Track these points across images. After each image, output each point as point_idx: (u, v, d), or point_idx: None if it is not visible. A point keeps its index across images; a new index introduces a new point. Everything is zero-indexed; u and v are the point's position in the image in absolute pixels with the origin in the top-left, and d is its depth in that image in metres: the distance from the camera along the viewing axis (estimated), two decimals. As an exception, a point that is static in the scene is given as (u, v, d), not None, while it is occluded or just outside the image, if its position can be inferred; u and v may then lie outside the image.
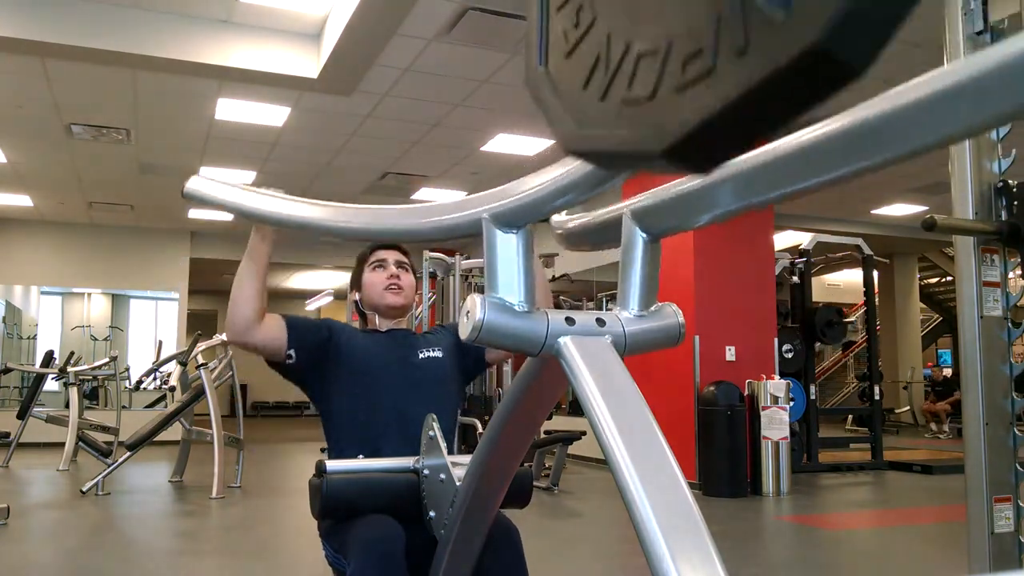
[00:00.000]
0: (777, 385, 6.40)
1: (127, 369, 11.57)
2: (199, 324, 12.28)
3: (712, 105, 0.34)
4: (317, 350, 1.88)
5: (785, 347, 7.51)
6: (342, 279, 13.69)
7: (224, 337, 6.80)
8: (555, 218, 1.01)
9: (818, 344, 8.88)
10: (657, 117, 0.38)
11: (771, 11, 0.30)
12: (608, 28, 0.43)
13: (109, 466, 6.29)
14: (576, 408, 8.42)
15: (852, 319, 12.01)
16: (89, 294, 12.26)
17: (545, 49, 0.50)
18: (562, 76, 0.47)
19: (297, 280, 16.32)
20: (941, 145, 0.47)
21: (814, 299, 8.26)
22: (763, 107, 0.33)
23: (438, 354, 1.97)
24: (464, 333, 0.79)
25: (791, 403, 6.65)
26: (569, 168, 0.75)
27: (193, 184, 1.33)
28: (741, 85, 0.32)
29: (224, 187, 1.28)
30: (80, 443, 7.27)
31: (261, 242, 1.76)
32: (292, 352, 1.84)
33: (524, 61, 0.52)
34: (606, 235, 0.90)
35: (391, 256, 2.02)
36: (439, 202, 0.95)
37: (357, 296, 2.05)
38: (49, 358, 8.98)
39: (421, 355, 1.96)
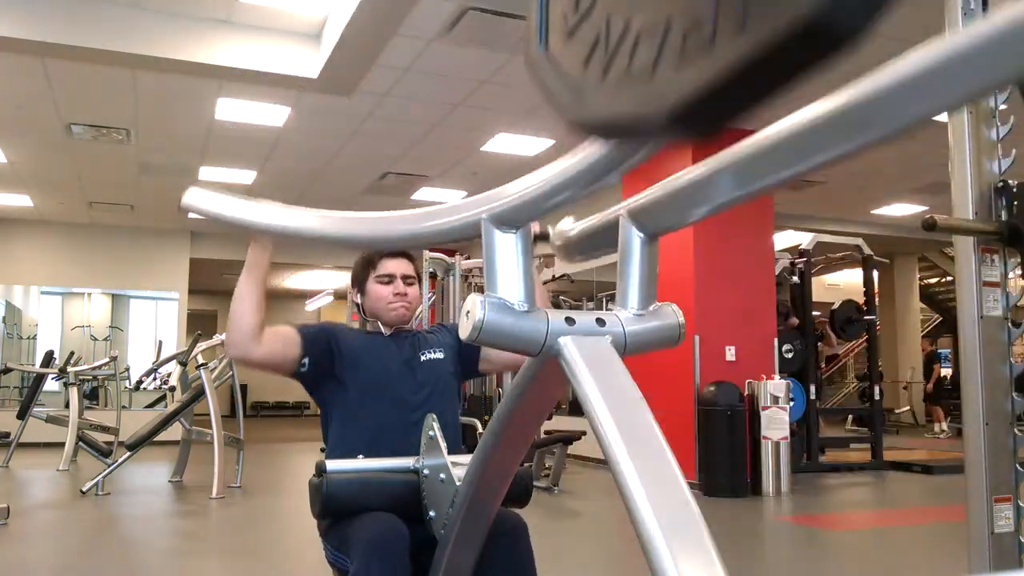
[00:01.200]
0: (777, 385, 6.39)
1: (127, 369, 11.55)
2: (199, 324, 12.26)
3: (713, 73, 0.34)
4: (324, 357, 1.88)
5: (785, 347, 7.50)
6: (342, 279, 13.68)
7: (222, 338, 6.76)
8: (556, 228, 1.01)
9: (820, 344, 8.90)
10: (658, 87, 0.38)
11: None
12: (608, 9, 0.43)
13: (109, 466, 6.28)
14: (576, 408, 8.41)
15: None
16: (89, 294, 12.25)
17: (545, 32, 0.50)
18: (563, 57, 0.48)
19: (297, 280, 16.32)
20: (937, 112, 0.46)
21: (814, 299, 8.25)
22: (762, 75, 0.33)
23: (439, 355, 1.98)
24: (464, 333, 0.79)
25: (791, 403, 6.64)
26: (565, 166, 0.74)
27: (190, 197, 1.32)
28: (741, 55, 0.33)
29: (221, 199, 1.27)
30: (80, 443, 7.27)
31: (261, 254, 1.75)
32: (306, 361, 1.85)
33: (524, 46, 0.52)
34: (605, 239, 0.90)
35: (399, 270, 2.00)
36: (438, 205, 0.95)
37: (359, 298, 2.03)
38: (49, 358, 8.98)
39: (423, 357, 1.96)
